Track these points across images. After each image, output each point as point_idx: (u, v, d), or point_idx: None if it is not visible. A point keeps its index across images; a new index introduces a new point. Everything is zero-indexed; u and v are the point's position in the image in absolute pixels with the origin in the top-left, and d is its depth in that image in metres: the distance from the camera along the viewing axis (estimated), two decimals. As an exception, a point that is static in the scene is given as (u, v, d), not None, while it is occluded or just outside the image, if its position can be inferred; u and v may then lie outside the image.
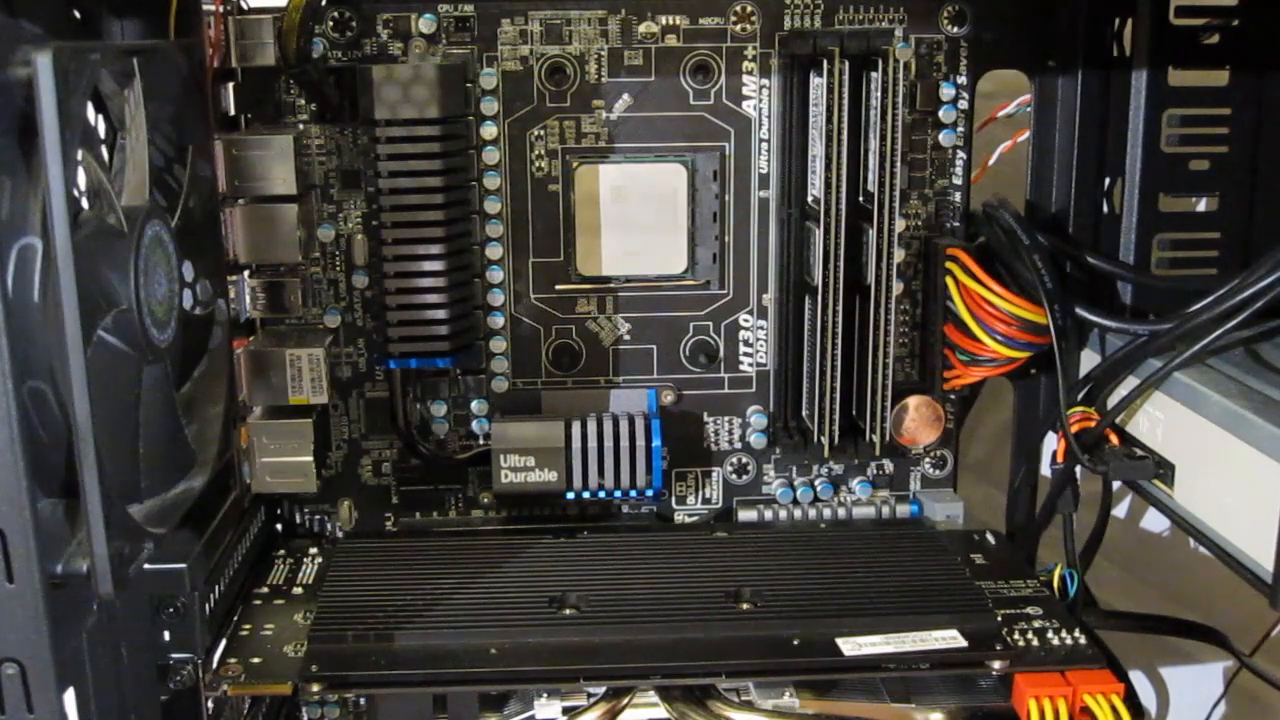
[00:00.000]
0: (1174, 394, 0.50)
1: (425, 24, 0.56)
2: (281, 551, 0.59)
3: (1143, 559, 0.75)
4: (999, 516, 0.64)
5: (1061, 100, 0.59)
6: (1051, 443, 0.57)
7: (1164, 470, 0.51)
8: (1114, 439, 0.54)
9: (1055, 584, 0.55)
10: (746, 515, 0.62)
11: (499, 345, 0.59)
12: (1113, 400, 0.54)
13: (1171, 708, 0.72)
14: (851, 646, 0.48)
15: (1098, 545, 0.60)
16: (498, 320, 0.59)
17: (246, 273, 0.55)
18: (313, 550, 0.59)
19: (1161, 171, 0.57)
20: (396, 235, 0.54)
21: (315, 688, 0.47)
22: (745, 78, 0.57)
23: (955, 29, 0.57)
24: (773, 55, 0.57)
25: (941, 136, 0.58)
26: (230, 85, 0.55)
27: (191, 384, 0.47)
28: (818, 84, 0.54)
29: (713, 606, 0.51)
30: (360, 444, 0.61)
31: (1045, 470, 0.60)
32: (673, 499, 0.62)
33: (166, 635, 0.46)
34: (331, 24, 0.56)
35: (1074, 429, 0.54)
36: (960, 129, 0.58)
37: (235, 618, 0.52)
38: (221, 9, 0.52)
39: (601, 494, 0.58)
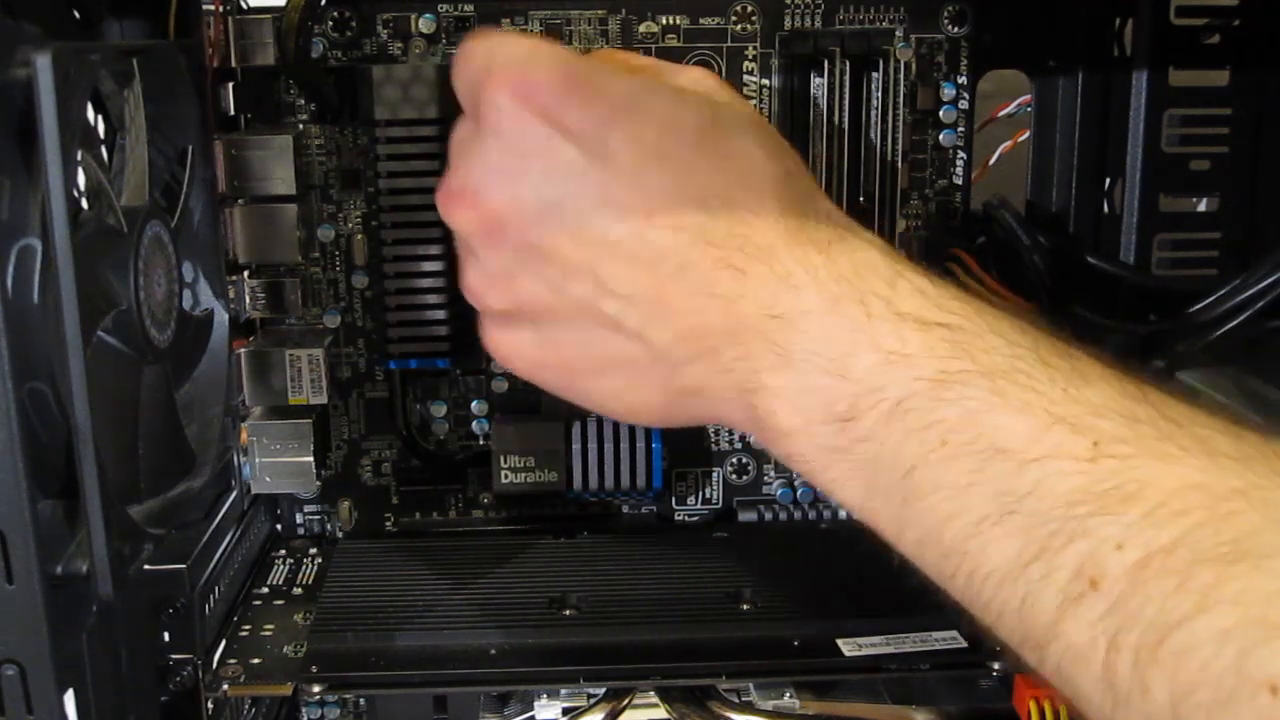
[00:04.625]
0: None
1: (425, 24, 0.56)
2: (281, 552, 0.59)
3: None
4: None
5: (1061, 100, 0.59)
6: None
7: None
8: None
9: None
10: (746, 515, 0.62)
11: (499, 345, 0.59)
12: (1113, 400, 0.54)
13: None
14: (851, 647, 0.48)
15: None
16: (498, 320, 0.59)
17: (246, 273, 0.55)
18: (313, 550, 0.59)
19: (1161, 171, 0.57)
20: (396, 235, 0.54)
21: (315, 688, 0.47)
22: (746, 78, 0.57)
23: (956, 29, 0.57)
24: (773, 55, 0.57)
25: (942, 136, 0.58)
26: (230, 85, 0.55)
27: (191, 384, 0.47)
28: (818, 84, 0.54)
29: (713, 606, 0.51)
30: (360, 444, 0.61)
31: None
32: (673, 499, 0.62)
33: (166, 636, 0.46)
34: (331, 24, 0.56)
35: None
36: (960, 129, 0.58)
37: (235, 618, 0.52)
38: (221, 9, 0.52)
39: (602, 494, 0.58)
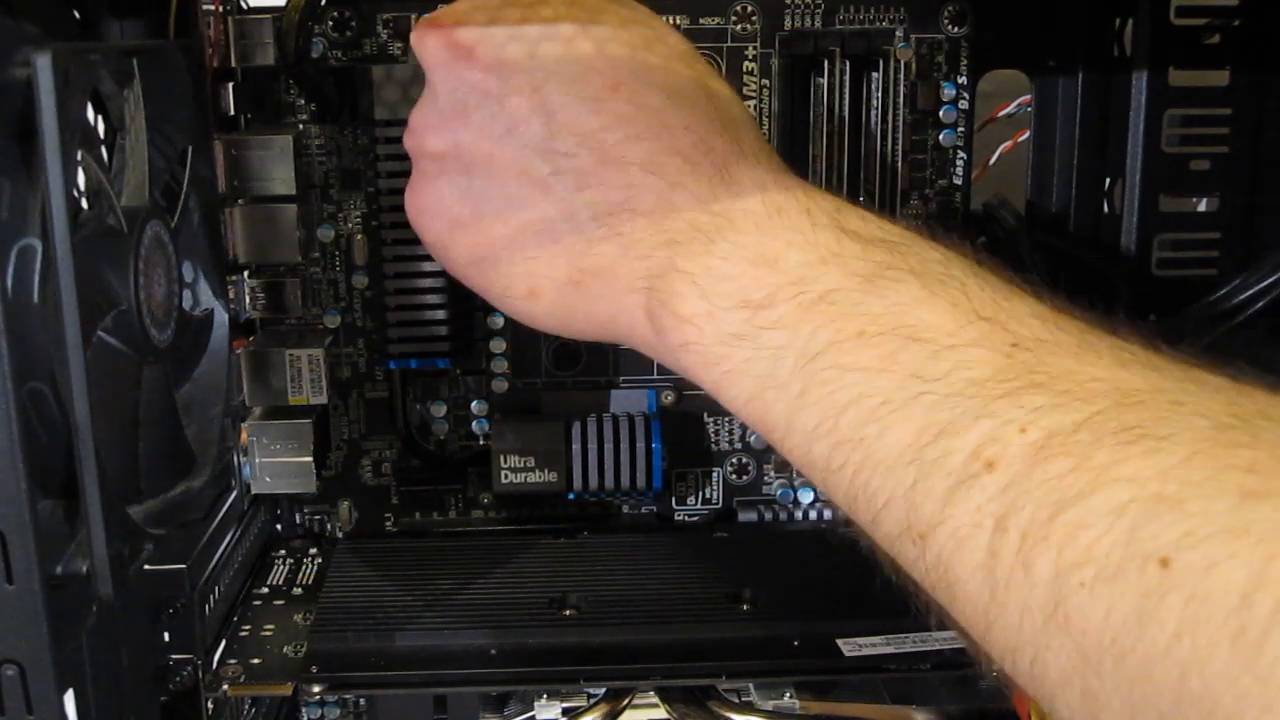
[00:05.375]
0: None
1: (425, 24, 0.56)
2: (281, 552, 0.59)
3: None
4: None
5: (1061, 100, 0.59)
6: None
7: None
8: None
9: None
10: (746, 515, 0.62)
11: (499, 345, 0.59)
12: (1113, 400, 0.54)
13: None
14: (851, 647, 0.48)
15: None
16: (498, 320, 0.59)
17: (246, 273, 0.55)
18: (313, 550, 0.59)
19: (1161, 171, 0.57)
20: (396, 235, 0.54)
21: (315, 688, 0.47)
22: (745, 78, 0.57)
23: (956, 29, 0.57)
24: (773, 55, 0.57)
25: (942, 136, 0.58)
26: (230, 85, 0.55)
27: (191, 384, 0.47)
28: (818, 84, 0.54)
29: (713, 606, 0.51)
30: (360, 444, 0.61)
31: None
32: (673, 499, 0.62)
33: (166, 636, 0.46)
34: (331, 24, 0.56)
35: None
36: (960, 129, 0.58)
37: (235, 618, 0.52)
38: (221, 9, 0.52)
39: (602, 494, 0.58)
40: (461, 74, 0.39)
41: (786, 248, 0.34)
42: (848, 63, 0.53)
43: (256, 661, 0.49)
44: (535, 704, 0.55)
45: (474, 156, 0.40)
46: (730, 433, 0.61)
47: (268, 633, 0.51)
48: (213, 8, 0.52)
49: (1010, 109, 0.60)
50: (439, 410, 0.60)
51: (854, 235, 0.35)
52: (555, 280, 0.39)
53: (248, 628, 0.52)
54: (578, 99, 0.38)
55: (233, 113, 0.55)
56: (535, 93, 0.38)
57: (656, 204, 0.37)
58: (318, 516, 0.61)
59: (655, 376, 0.60)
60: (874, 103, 0.53)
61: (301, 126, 0.57)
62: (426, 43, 0.40)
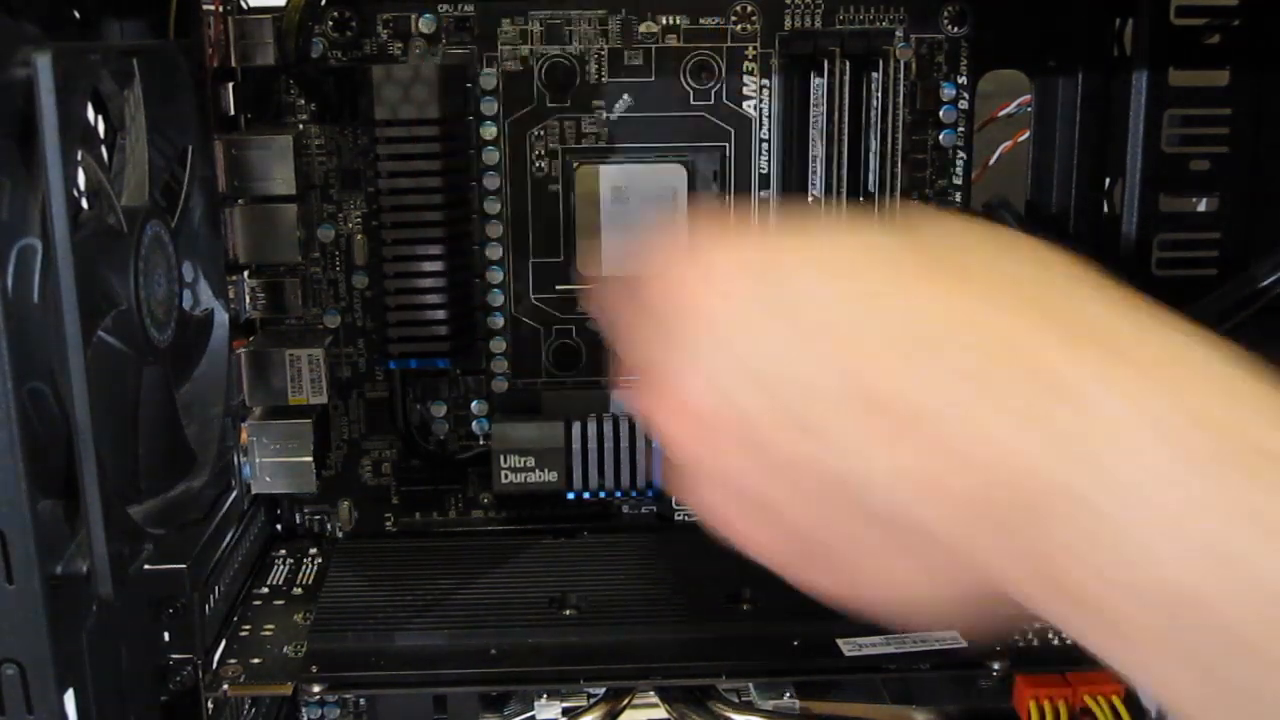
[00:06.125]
0: None
1: (425, 24, 0.56)
2: (281, 552, 0.59)
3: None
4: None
5: (1061, 100, 0.59)
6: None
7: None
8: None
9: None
10: (746, 515, 0.62)
11: (499, 345, 0.59)
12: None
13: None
14: (851, 647, 0.48)
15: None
16: (498, 320, 0.59)
17: (246, 273, 0.55)
18: (313, 550, 0.59)
19: (1161, 171, 0.56)
20: (396, 235, 0.54)
21: (315, 688, 0.47)
22: (745, 78, 0.57)
23: (956, 29, 0.57)
24: (773, 55, 0.57)
25: (941, 136, 0.58)
26: (230, 85, 0.55)
27: (191, 384, 0.47)
28: (818, 84, 0.54)
29: (713, 606, 0.51)
30: (360, 444, 0.61)
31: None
32: (673, 499, 0.62)
33: (166, 636, 0.46)
34: (331, 24, 0.56)
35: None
36: (960, 129, 0.58)
37: (235, 618, 0.52)
38: (221, 9, 0.52)
39: (602, 494, 0.58)
40: (707, 441, 0.33)
41: (1227, 521, 0.24)
42: (848, 63, 0.53)
43: (256, 661, 0.49)
44: (535, 704, 0.55)
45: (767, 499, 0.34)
46: (730, 433, 0.61)
47: (268, 633, 0.51)
48: (213, 8, 0.52)
49: (1010, 109, 0.60)
50: (439, 410, 0.60)
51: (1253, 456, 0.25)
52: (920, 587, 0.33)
53: (248, 628, 0.52)
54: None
55: (233, 113, 0.55)
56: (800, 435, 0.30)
57: (1009, 484, 0.27)
58: (318, 516, 0.61)
59: (655, 376, 0.60)
60: (874, 103, 0.53)
61: (301, 126, 0.57)
62: (657, 417, 0.33)
